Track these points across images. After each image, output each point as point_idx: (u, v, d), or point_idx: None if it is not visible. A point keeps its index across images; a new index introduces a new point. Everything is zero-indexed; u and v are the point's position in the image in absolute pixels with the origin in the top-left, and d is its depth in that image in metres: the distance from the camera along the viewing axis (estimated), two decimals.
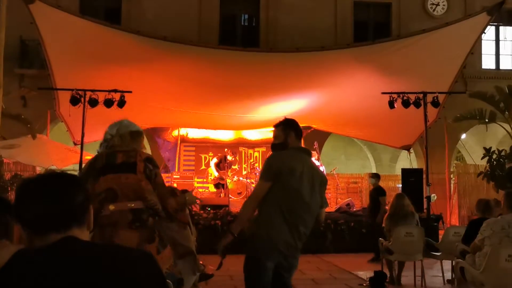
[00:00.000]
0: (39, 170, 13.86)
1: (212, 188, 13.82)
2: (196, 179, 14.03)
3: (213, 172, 13.34)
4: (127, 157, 3.23)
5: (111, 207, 3.07)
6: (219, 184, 13.38)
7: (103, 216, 3.02)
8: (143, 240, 3.08)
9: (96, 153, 3.45)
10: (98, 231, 2.94)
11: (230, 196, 13.29)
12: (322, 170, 13.47)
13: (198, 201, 4.04)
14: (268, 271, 3.17)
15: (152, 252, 2.91)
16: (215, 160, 13.49)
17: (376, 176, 10.01)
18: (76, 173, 11.21)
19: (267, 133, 15.26)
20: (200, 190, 14.04)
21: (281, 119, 3.58)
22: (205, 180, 13.93)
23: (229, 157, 13.53)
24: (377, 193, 9.47)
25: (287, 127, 3.47)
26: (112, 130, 3.39)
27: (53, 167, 13.71)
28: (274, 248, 3.19)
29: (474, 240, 4.79)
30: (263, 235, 3.20)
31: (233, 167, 14.62)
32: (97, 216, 2.88)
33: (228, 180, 13.66)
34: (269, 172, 3.26)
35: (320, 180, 3.41)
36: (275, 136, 3.54)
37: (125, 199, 3.10)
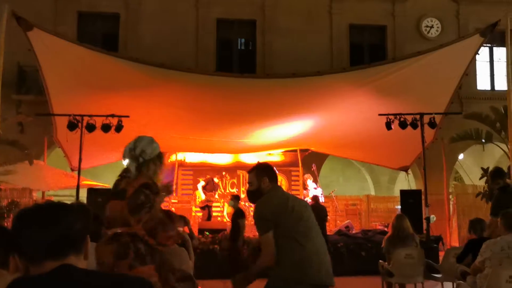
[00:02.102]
0: (35, 196, 13.80)
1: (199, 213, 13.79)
2: (193, 203, 13.99)
3: (201, 195, 13.31)
4: (126, 183, 3.17)
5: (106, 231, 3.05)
6: (206, 207, 13.35)
7: None
8: (115, 255, 2.96)
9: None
10: None
11: (228, 219, 13.22)
12: (321, 193, 13.48)
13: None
14: None
15: (124, 268, 2.80)
16: (202, 183, 13.48)
17: (235, 199, 9.73)
18: (73, 199, 11.19)
19: (265, 157, 15.27)
20: (199, 214, 13.98)
21: (253, 165, 3.57)
22: (192, 203, 13.88)
23: (216, 180, 13.53)
24: (237, 216, 9.27)
25: (259, 173, 3.43)
26: (150, 152, 3.16)
27: (50, 192, 13.69)
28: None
29: (467, 258, 4.77)
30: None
31: (231, 190, 14.59)
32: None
33: (226, 204, 13.60)
34: (265, 221, 3.22)
35: (309, 208, 3.44)
36: (249, 183, 3.50)
37: (116, 225, 3.04)
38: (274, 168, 3.52)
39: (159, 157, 3.17)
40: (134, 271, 2.81)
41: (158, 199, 3.10)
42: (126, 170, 3.15)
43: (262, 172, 3.43)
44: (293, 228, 3.18)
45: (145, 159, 3.13)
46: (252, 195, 3.47)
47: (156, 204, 3.07)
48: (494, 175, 6.16)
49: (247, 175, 3.51)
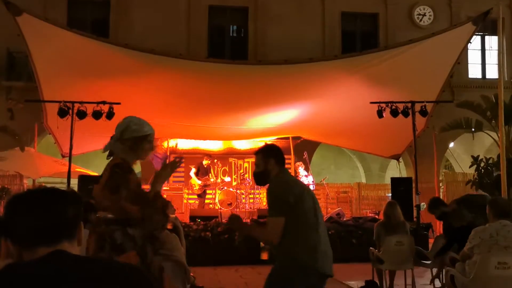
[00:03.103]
0: (26, 182, 13.75)
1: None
2: (185, 191, 13.99)
3: (196, 181, 13.31)
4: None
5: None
6: (203, 193, 13.38)
7: None
8: (95, 246, 2.91)
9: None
10: None
11: (220, 207, 13.26)
12: (312, 180, 13.54)
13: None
14: None
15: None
16: (193, 170, 13.47)
17: None
18: (64, 186, 11.15)
19: (257, 143, 15.28)
20: (191, 201, 14.00)
21: (261, 146, 3.50)
22: (190, 191, 13.89)
23: (205, 162, 13.50)
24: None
25: (266, 154, 3.36)
26: (116, 134, 3.18)
27: (41, 179, 13.63)
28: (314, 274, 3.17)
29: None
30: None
31: (222, 177, 14.59)
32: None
33: (218, 191, 13.63)
34: (284, 203, 3.13)
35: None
36: (256, 164, 3.43)
37: (99, 209, 3.04)
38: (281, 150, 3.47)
39: (129, 137, 3.13)
40: None
41: (131, 177, 3.05)
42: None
43: (269, 154, 3.37)
44: (308, 214, 3.14)
45: (115, 140, 3.16)
46: (258, 177, 3.41)
47: (130, 182, 3.02)
48: (430, 207, 6.83)
49: (252, 158, 3.50)
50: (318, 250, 3.15)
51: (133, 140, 3.14)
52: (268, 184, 3.35)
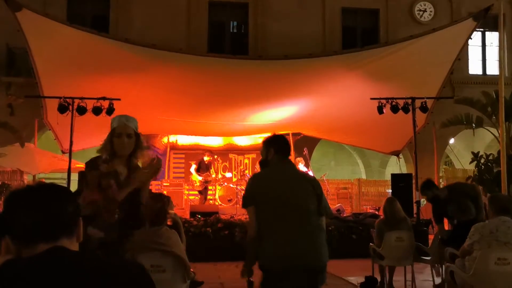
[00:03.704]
0: (26, 178, 13.75)
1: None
2: (186, 187, 13.99)
3: (197, 178, 13.30)
4: None
5: None
6: (204, 189, 13.37)
7: None
8: None
9: None
10: None
11: (220, 203, 13.26)
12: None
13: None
14: None
15: None
16: (194, 166, 13.46)
17: None
18: (64, 182, 11.15)
19: (257, 139, 15.28)
20: (191, 197, 14.00)
21: (268, 136, 3.63)
22: (190, 187, 13.89)
23: (205, 158, 13.50)
24: None
25: (267, 144, 3.52)
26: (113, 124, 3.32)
27: (41, 175, 13.63)
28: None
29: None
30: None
31: (223, 173, 14.61)
32: None
33: (218, 187, 13.63)
34: (247, 198, 3.39)
35: (311, 185, 3.37)
36: (260, 153, 3.65)
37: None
38: (286, 140, 3.57)
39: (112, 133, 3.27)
40: None
41: (92, 173, 3.15)
42: None
43: (269, 144, 3.51)
44: (269, 211, 3.25)
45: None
46: (260, 165, 3.65)
47: (89, 179, 3.14)
48: (422, 187, 6.86)
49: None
50: (267, 248, 3.21)
51: (108, 136, 3.30)
52: None
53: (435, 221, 6.88)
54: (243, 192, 3.53)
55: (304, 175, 3.61)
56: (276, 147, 3.47)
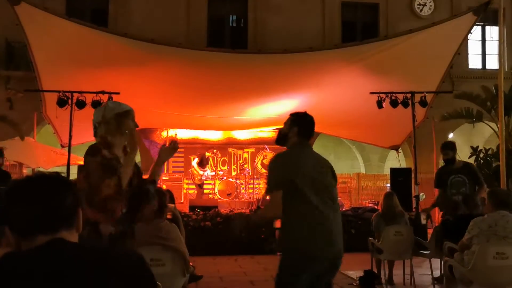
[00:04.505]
0: (26, 172, 13.75)
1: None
2: (185, 181, 14.01)
3: (198, 171, 13.33)
4: None
5: None
6: (203, 184, 13.43)
7: None
8: None
9: None
10: None
11: (219, 197, 13.28)
12: None
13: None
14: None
15: None
16: (196, 160, 13.49)
17: None
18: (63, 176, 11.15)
19: (257, 133, 15.28)
20: (190, 191, 14.02)
21: (299, 111, 3.45)
22: (191, 181, 13.91)
23: (208, 154, 13.56)
24: None
25: (293, 121, 3.34)
26: (97, 118, 3.24)
27: (40, 169, 13.63)
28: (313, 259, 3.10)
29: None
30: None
31: (222, 168, 14.64)
32: None
33: (217, 181, 13.64)
34: (279, 180, 3.12)
35: (331, 171, 3.32)
36: (283, 124, 3.42)
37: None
38: (313, 122, 3.40)
39: (111, 116, 3.20)
40: None
41: (92, 161, 3.06)
42: None
43: (295, 121, 3.34)
44: (305, 195, 3.07)
45: (99, 124, 3.27)
46: (278, 137, 3.43)
47: (89, 166, 3.05)
48: (443, 147, 6.75)
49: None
50: (315, 233, 3.09)
51: (114, 117, 3.19)
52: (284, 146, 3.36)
53: (436, 185, 6.96)
54: (269, 173, 3.16)
55: (325, 160, 3.42)
56: (301, 127, 3.31)
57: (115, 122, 3.18)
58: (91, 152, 3.09)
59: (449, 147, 6.78)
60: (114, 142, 3.17)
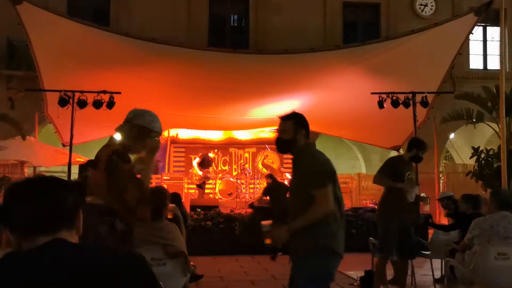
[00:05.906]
0: (27, 172, 13.76)
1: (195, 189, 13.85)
2: (186, 180, 14.02)
3: (197, 171, 13.32)
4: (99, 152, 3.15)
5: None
6: (202, 184, 13.40)
7: None
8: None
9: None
10: None
11: (220, 196, 13.28)
12: None
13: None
14: None
15: None
16: (197, 159, 13.47)
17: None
18: (65, 175, 11.16)
19: (257, 133, 15.28)
20: (191, 191, 14.02)
21: (288, 112, 3.28)
22: (189, 181, 13.91)
23: (211, 155, 13.55)
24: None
25: (298, 124, 3.20)
26: (130, 115, 3.20)
27: (42, 168, 13.64)
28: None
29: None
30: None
31: (223, 167, 14.63)
32: None
33: (218, 181, 13.65)
34: (327, 174, 3.07)
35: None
36: (282, 130, 3.22)
37: (95, 193, 3.00)
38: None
39: (137, 124, 3.12)
40: None
41: (124, 167, 3.01)
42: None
43: (301, 123, 3.20)
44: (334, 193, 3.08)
45: (125, 121, 3.18)
46: (283, 144, 3.23)
47: (120, 170, 3.00)
48: (411, 144, 6.12)
49: (280, 121, 3.25)
50: (337, 233, 3.12)
51: (139, 128, 3.11)
52: (289, 153, 3.25)
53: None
54: (313, 170, 3.06)
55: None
56: (307, 129, 3.23)
57: (137, 132, 3.12)
58: (123, 158, 3.04)
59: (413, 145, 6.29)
60: (132, 148, 3.15)
